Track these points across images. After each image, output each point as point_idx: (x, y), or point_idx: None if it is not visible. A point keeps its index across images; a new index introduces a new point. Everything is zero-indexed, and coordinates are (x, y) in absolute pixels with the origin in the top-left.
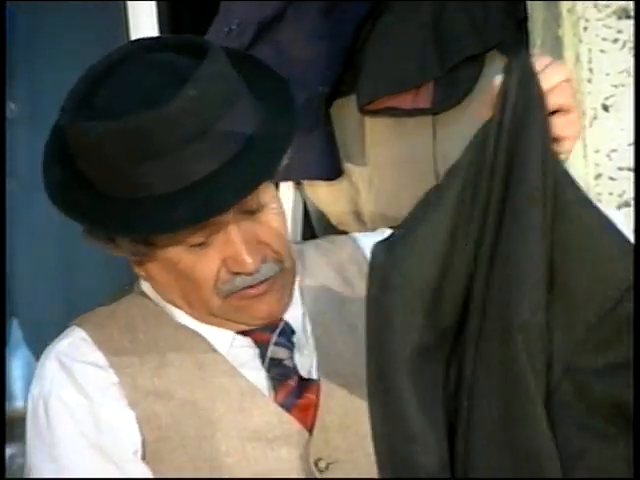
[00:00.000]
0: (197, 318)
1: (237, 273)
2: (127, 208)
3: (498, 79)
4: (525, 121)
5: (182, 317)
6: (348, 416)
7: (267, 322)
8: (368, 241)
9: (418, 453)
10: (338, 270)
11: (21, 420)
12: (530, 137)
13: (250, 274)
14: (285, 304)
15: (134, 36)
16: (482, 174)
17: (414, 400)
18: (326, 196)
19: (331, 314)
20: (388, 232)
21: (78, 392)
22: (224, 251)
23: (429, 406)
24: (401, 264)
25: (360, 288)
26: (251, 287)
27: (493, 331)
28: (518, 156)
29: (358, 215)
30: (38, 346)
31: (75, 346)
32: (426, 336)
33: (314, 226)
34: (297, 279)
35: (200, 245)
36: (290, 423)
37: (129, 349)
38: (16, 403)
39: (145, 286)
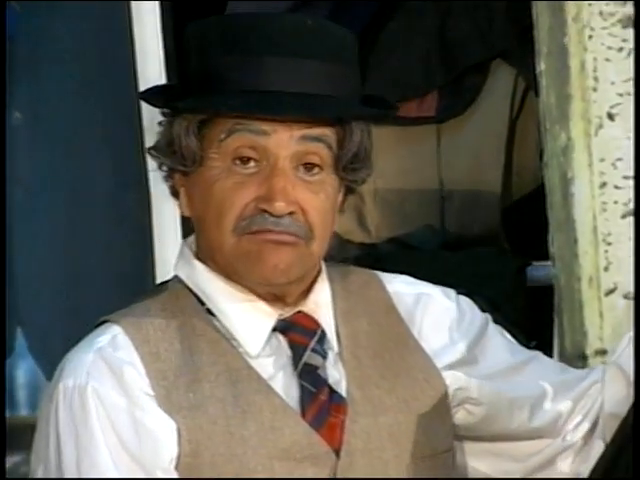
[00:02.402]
0: (232, 293)
1: (263, 211)
2: (197, 90)
3: None
4: None
5: (220, 298)
6: (371, 441)
7: (269, 282)
8: (391, 284)
9: None
10: (364, 300)
11: (25, 428)
12: None
13: (274, 215)
14: (293, 276)
15: (138, 40)
16: None
17: None
18: None
19: (359, 338)
20: (405, 275)
21: (118, 391)
22: (262, 188)
23: None
24: None
25: (385, 325)
26: (267, 233)
27: None
28: None
29: (363, 223)
30: (43, 355)
31: (115, 343)
32: None
33: None
34: (328, 289)
35: (244, 164)
36: (319, 444)
37: (165, 358)
38: (20, 411)
39: (181, 270)
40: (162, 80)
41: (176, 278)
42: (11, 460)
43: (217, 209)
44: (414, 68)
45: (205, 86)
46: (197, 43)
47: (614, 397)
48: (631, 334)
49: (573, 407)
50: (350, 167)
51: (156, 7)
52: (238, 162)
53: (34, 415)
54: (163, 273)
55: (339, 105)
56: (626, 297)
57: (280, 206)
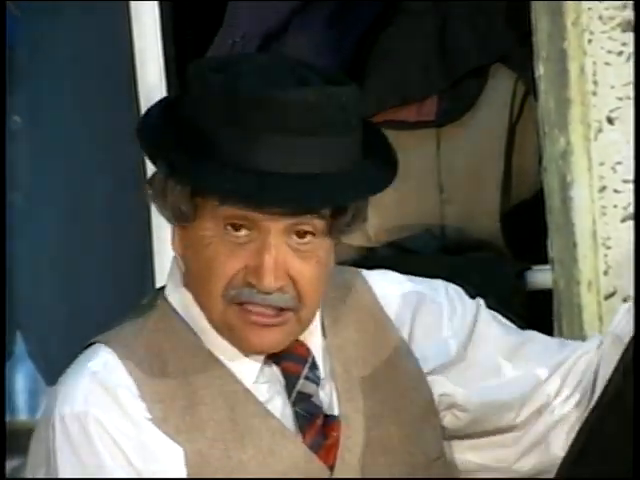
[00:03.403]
0: (222, 333)
1: (251, 285)
2: (192, 152)
3: None
4: None
5: (210, 336)
6: (365, 455)
7: (257, 353)
8: (378, 285)
9: None
10: (351, 307)
11: (25, 432)
12: None
13: (261, 292)
14: (281, 346)
15: (137, 45)
16: None
17: None
18: None
19: (348, 348)
20: (391, 273)
21: (119, 415)
22: (251, 259)
23: None
24: None
25: (374, 331)
26: (254, 306)
27: None
28: None
29: (362, 227)
30: (42, 359)
31: (110, 367)
32: None
33: None
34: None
35: (236, 230)
36: (318, 468)
37: (159, 381)
38: (20, 415)
39: (172, 295)
40: (162, 85)
41: (166, 294)
42: (10, 464)
43: (207, 273)
44: (414, 72)
45: (201, 153)
46: (197, 101)
47: (612, 366)
48: (626, 305)
49: (561, 384)
50: (345, 230)
51: (156, 12)
52: (230, 228)
53: (33, 419)
54: (162, 280)
55: (339, 190)
56: (626, 301)
57: (269, 283)
